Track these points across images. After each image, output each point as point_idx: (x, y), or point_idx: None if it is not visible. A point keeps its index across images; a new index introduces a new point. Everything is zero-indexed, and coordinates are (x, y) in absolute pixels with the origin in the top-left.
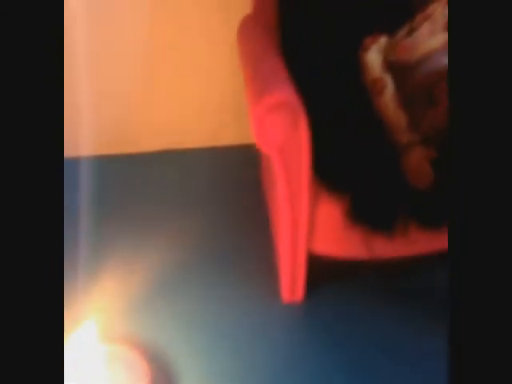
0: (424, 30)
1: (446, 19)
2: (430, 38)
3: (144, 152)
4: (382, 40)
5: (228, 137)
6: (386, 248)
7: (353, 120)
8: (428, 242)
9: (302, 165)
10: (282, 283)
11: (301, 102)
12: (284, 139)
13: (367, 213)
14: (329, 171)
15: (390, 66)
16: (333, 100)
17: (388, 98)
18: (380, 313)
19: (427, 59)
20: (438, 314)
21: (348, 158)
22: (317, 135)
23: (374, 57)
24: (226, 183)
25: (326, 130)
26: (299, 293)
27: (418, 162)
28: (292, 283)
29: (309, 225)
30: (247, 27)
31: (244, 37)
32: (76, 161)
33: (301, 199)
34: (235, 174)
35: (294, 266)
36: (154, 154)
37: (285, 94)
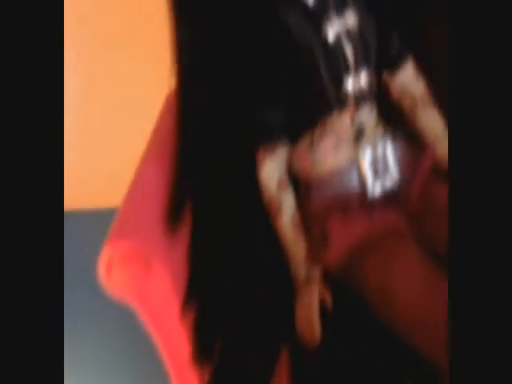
0: (326, 143)
1: (352, 131)
2: (334, 153)
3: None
4: (280, 150)
5: None
6: None
7: (243, 249)
8: None
9: (172, 314)
10: None
11: (159, 248)
12: (134, 291)
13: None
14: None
15: (295, 178)
16: (226, 223)
17: (286, 220)
18: None
19: (329, 178)
20: None
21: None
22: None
23: (269, 171)
24: None
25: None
26: None
27: (307, 309)
28: None
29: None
30: (165, 109)
31: (157, 121)
32: None
33: (180, 347)
34: None
35: None
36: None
37: (138, 241)
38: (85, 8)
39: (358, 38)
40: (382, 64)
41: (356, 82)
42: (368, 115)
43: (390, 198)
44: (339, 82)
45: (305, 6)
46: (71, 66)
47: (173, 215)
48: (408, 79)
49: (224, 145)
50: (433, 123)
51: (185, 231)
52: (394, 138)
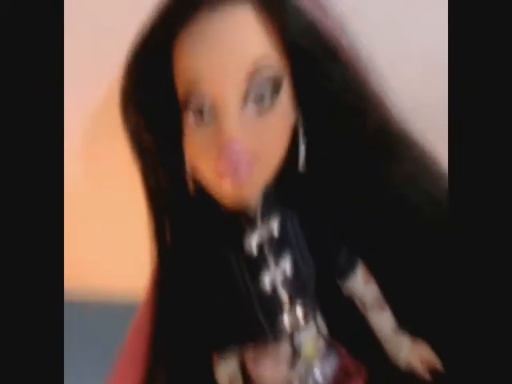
0: (266, 365)
1: (289, 354)
2: (274, 373)
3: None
4: (230, 352)
5: None
6: None
7: None
8: None
9: None
10: None
11: None
12: None
13: None
14: None
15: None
16: None
17: None
18: None
19: None
20: None
21: None
22: None
23: (221, 374)
24: None
25: None
26: None
27: None
28: None
29: None
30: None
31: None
32: None
33: None
34: None
35: None
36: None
37: None
38: None
39: (294, 283)
40: (330, 275)
41: (292, 317)
42: (307, 335)
43: None
44: (274, 321)
45: (249, 256)
46: None
47: None
48: (357, 286)
49: (187, 351)
50: (382, 324)
51: None
52: (332, 354)
